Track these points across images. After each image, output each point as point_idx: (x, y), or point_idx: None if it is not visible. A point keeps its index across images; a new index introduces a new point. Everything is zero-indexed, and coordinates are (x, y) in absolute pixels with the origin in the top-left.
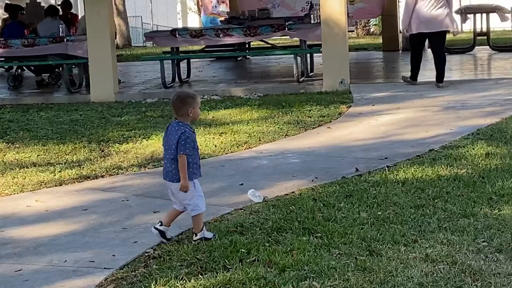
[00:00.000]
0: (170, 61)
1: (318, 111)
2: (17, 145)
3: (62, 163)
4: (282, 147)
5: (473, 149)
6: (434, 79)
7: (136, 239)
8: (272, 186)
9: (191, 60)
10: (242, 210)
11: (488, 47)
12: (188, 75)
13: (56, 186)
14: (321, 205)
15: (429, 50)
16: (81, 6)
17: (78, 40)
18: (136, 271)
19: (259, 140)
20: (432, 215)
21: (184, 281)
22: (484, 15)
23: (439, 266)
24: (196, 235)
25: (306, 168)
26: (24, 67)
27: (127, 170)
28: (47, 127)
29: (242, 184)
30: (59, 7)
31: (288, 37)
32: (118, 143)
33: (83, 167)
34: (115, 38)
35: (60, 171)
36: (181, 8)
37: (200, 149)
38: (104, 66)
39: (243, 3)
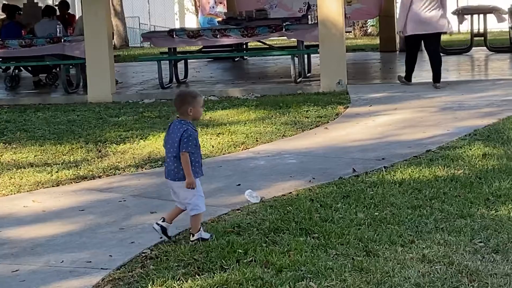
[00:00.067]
0: (168, 61)
1: (315, 111)
2: (14, 146)
3: (59, 164)
4: (279, 147)
5: (470, 149)
6: (431, 80)
7: (133, 239)
8: (269, 186)
9: (189, 60)
10: (239, 211)
11: (485, 48)
12: (186, 76)
13: (53, 186)
14: (318, 205)
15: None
16: (78, 6)
17: (75, 41)
18: (133, 272)
19: (257, 140)
20: (429, 216)
21: (181, 282)
22: (481, 16)
23: (436, 267)
24: (193, 236)
25: (303, 169)
26: (21, 68)
27: (124, 170)
28: (44, 127)
29: (239, 184)
30: (56, 8)
31: (285, 37)
32: (115, 144)
33: (80, 168)
34: (113, 38)
35: (57, 172)
36: (178, 9)
37: None
38: (102, 67)
39: (240, 3)
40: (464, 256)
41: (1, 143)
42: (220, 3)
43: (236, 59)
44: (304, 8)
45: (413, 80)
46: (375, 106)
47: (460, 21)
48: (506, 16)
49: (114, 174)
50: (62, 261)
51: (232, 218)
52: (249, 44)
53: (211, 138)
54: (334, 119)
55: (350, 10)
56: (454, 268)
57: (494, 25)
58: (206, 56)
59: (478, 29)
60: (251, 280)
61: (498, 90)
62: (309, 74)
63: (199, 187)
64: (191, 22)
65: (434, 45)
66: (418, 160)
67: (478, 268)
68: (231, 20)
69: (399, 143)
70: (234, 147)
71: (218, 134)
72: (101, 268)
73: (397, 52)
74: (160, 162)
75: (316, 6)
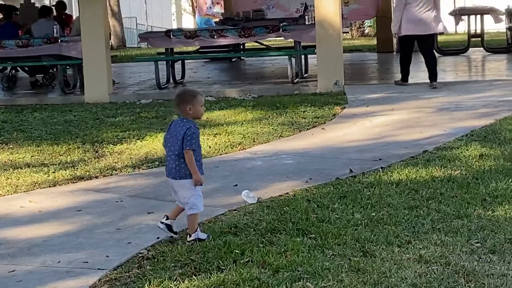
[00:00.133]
0: (165, 62)
1: (312, 112)
2: (11, 146)
3: (56, 164)
4: (276, 148)
5: (467, 150)
6: (428, 81)
7: (130, 240)
8: (266, 187)
9: (186, 61)
10: (236, 211)
11: (482, 48)
12: (183, 76)
13: (50, 187)
14: (315, 206)
15: None
16: (75, 6)
17: (72, 41)
18: (130, 272)
19: (254, 141)
20: (426, 216)
21: (178, 282)
22: (478, 16)
23: (433, 267)
24: (190, 236)
25: (300, 169)
26: (18, 68)
27: (121, 171)
28: (41, 128)
29: (236, 185)
30: (53, 7)
31: (282, 38)
32: (112, 144)
33: (77, 168)
34: (110, 39)
35: (54, 172)
36: (175, 9)
37: None
38: (99, 67)
39: (237, 4)
40: (461, 257)
41: None
42: (217, 3)
43: (233, 60)
44: (301, 9)
45: (410, 80)
46: (372, 106)
47: (457, 22)
48: (503, 17)
49: (111, 175)
50: (59, 261)
51: (229, 219)
52: (246, 44)
53: (208, 139)
54: (331, 119)
55: (347, 10)
56: (451, 269)
57: (491, 26)
58: (203, 56)
59: (475, 29)
60: (247, 280)
61: (495, 91)
62: (306, 75)
63: (198, 186)
64: (188, 22)
65: (428, 46)
66: (415, 161)
67: (474, 268)
68: (228, 21)
69: (396, 144)
70: (231, 148)
71: (215, 134)
72: (98, 269)
73: (394, 52)
74: (157, 163)
75: (313, 7)
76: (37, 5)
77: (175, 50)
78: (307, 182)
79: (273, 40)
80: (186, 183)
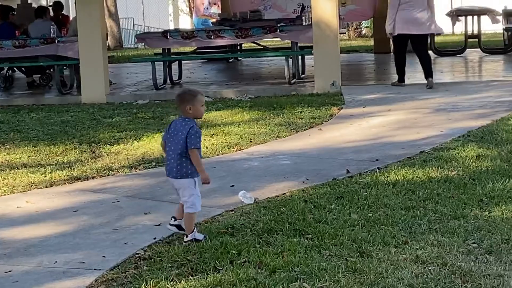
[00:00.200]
0: (162, 62)
1: (309, 113)
2: (7, 146)
3: (52, 164)
4: (273, 148)
5: (464, 151)
6: (425, 81)
7: (126, 240)
8: (263, 187)
9: (183, 61)
10: (233, 212)
11: (479, 49)
12: (180, 77)
13: (46, 187)
14: (312, 206)
15: None
16: (72, 7)
17: (69, 41)
18: (127, 272)
19: (250, 141)
20: (422, 217)
21: (175, 282)
22: (475, 17)
23: (430, 268)
24: (187, 236)
25: (297, 170)
26: (15, 68)
27: (118, 171)
28: (38, 128)
29: (233, 185)
30: (49, 8)
31: (279, 39)
32: (109, 145)
33: (73, 168)
34: (107, 39)
35: (50, 172)
36: (172, 10)
37: None
38: (95, 68)
39: (234, 4)
40: (458, 257)
41: None
42: (214, 4)
43: (230, 60)
44: (298, 9)
45: (407, 81)
46: (369, 107)
47: (454, 23)
48: (500, 18)
49: (107, 175)
50: (56, 261)
51: (226, 219)
52: (243, 45)
53: (205, 139)
54: (328, 120)
55: (344, 11)
56: (448, 269)
57: (488, 27)
58: (200, 57)
59: (472, 30)
60: (244, 281)
61: (492, 92)
62: (303, 75)
63: (197, 187)
64: (185, 23)
65: (422, 45)
66: (412, 161)
67: (471, 269)
68: (225, 21)
69: (393, 144)
70: (228, 148)
71: (212, 135)
72: (95, 269)
73: (391, 53)
74: (154, 163)
75: (310, 7)
76: (34, 5)
77: (172, 50)
78: (304, 182)
79: (270, 41)
80: (186, 182)
